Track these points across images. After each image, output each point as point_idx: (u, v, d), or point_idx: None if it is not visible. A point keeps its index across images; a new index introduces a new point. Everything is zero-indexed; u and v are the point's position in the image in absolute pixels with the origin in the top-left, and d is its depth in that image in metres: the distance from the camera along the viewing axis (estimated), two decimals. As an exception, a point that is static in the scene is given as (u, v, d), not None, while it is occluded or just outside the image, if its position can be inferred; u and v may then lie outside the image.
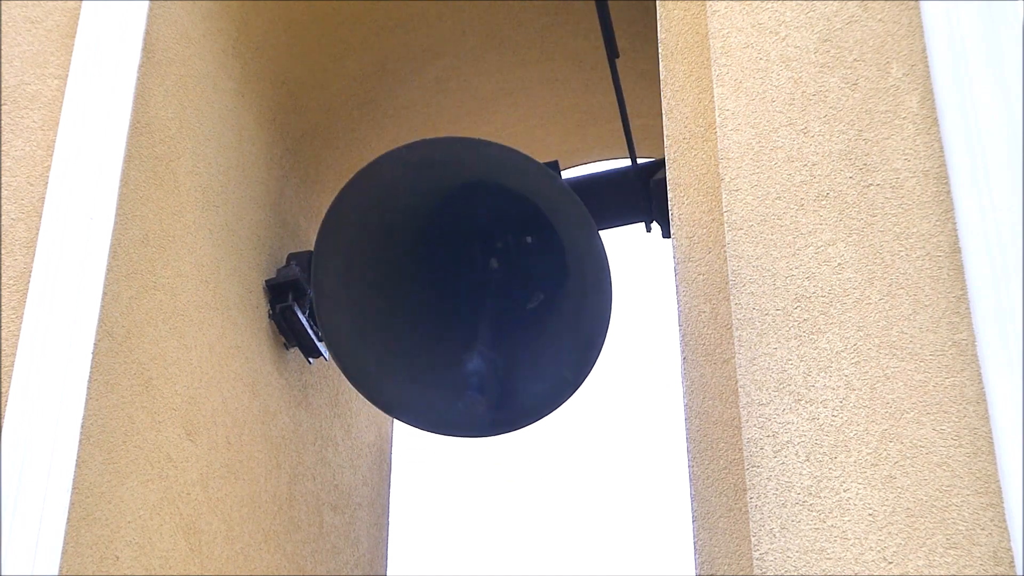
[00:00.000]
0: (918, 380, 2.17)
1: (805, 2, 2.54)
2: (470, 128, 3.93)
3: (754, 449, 2.19)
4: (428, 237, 2.97)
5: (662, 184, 3.06)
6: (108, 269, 2.72)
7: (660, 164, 3.33)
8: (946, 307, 2.22)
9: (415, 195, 2.86)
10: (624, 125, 3.23)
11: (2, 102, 2.95)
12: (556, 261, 2.94)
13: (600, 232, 2.69)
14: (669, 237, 2.70)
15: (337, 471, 3.66)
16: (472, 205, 2.92)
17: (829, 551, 2.08)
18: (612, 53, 3.04)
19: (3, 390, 2.60)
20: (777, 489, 2.14)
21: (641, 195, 3.36)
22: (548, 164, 3.38)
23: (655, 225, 3.39)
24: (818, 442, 2.16)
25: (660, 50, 2.75)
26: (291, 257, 3.49)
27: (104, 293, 2.69)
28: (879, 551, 2.06)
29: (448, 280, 3.05)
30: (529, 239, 3.06)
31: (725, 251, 2.40)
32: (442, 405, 2.90)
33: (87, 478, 2.56)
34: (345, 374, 2.91)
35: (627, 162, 3.49)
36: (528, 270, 3.07)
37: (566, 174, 3.73)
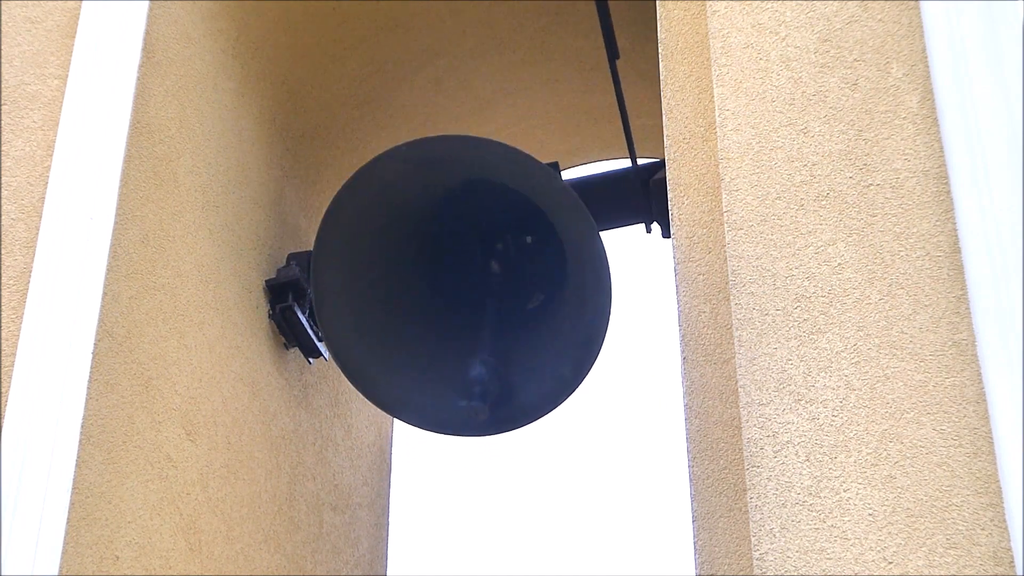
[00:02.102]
0: (918, 380, 2.17)
1: (805, 2, 2.54)
2: (470, 128, 3.93)
3: (754, 449, 2.19)
4: (428, 235, 2.97)
5: (662, 184, 3.06)
6: (108, 269, 2.72)
7: (660, 164, 3.33)
8: (946, 307, 2.22)
9: (415, 194, 2.86)
10: (624, 125, 3.23)
11: (2, 102, 2.95)
12: (556, 261, 2.94)
13: (600, 233, 2.69)
14: (669, 237, 2.70)
15: (337, 471, 3.66)
16: (472, 204, 2.92)
17: (829, 551, 2.08)
18: (612, 54, 3.04)
19: (3, 390, 2.60)
20: (777, 489, 2.15)
21: (641, 196, 3.36)
22: (548, 165, 3.38)
23: (655, 226, 3.39)
24: (818, 442, 2.16)
25: (660, 50, 2.75)
26: (291, 257, 3.48)
27: (104, 293, 2.69)
28: (879, 551, 2.06)
29: (448, 278, 3.05)
30: (529, 239, 3.06)
31: (725, 251, 2.40)
32: (442, 404, 2.90)
33: (87, 478, 2.56)
34: (344, 373, 2.91)
35: (627, 162, 3.49)
36: (528, 270, 3.07)
37: (566, 174, 3.73)
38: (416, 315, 3.00)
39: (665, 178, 2.67)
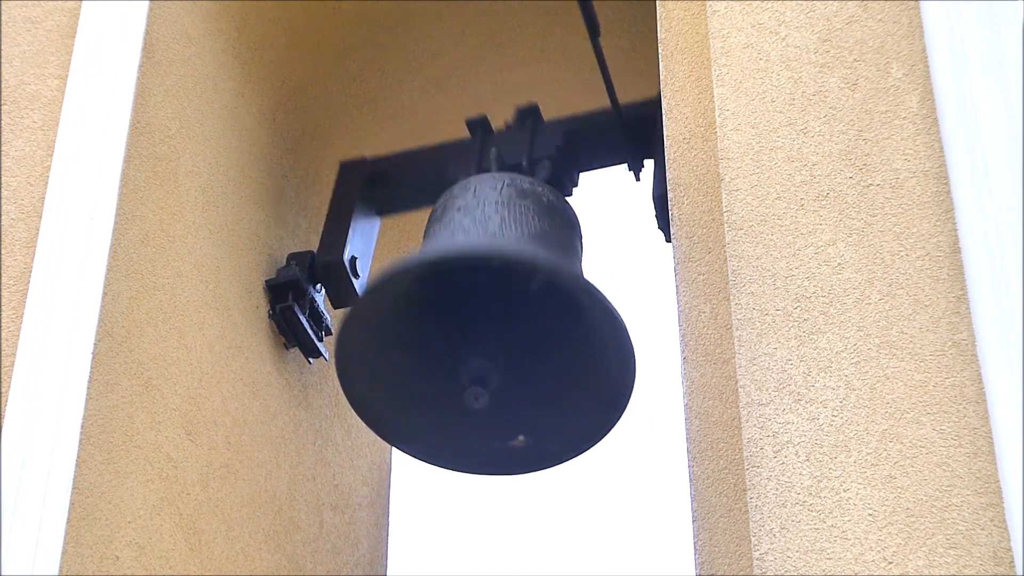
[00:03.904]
0: (918, 380, 2.17)
1: (805, 2, 2.54)
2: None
3: (754, 449, 2.19)
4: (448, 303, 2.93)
5: (648, 122, 3.02)
6: (108, 269, 2.72)
7: (647, 103, 3.23)
8: (946, 307, 2.22)
9: (435, 290, 2.83)
10: (612, 103, 3.17)
11: (2, 102, 2.95)
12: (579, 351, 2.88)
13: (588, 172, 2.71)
14: (669, 241, 2.69)
15: (337, 471, 3.66)
16: (490, 286, 2.90)
17: (829, 551, 2.08)
18: (593, 31, 2.98)
19: (3, 390, 2.60)
20: (777, 489, 2.14)
21: (626, 137, 3.29)
22: (528, 107, 3.33)
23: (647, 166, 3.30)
24: (818, 442, 2.16)
25: (660, 50, 2.75)
26: (291, 257, 3.48)
27: (104, 293, 2.69)
28: (879, 551, 2.06)
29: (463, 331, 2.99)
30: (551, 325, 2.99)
31: (725, 251, 2.40)
32: (471, 445, 2.87)
33: (87, 478, 2.56)
34: (362, 418, 2.86)
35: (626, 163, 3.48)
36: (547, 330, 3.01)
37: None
38: (434, 362, 2.94)
39: (655, 115, 2.63)
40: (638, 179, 3.36)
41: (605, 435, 2.77)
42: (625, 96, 3.25)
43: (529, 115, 3.36)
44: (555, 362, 2.87)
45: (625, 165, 3.38)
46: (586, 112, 3.43)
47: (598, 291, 2.57)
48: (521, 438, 2.81)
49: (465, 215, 2.85)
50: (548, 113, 3.41)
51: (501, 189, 2.90)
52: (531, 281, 2.78)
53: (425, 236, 2.97)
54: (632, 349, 2.59)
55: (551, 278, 2.69)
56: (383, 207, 3.63)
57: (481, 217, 2.82)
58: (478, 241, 2.78)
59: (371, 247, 3.58)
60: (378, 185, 3.58)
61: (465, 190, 2.93)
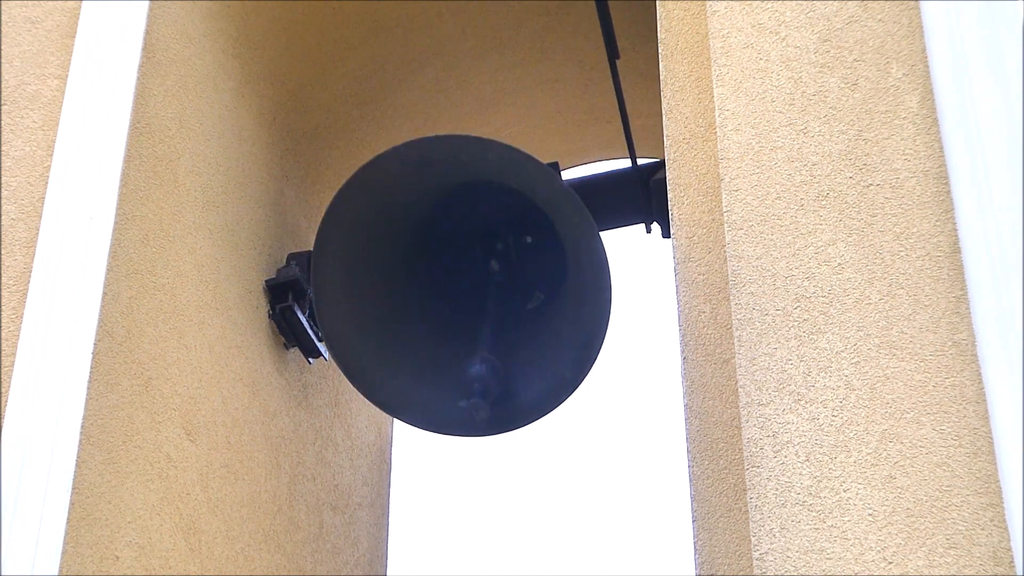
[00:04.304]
0: (918, 380, 2.17)
1: (805, 2, 2.54)
2: (470, 128, 3.93)
3: (754, 449, 2.19)
4: (427, 235, 2.97)
5: (662, 184, 3.05)
6: (108, 269, 2.72)
7: (660, 164, 3.33)
8: (946, 307, 2.22)
9: (414, 194, 2.86)
10: (624, 126, 3.23)
11: (2, 102, 2.95)
12: (556, 261, 2.94)
13: (601, 234, 2.70)
14: (669, 237, 2.70)
15: (337, 471, 3.66)
16: (472, 204, 2.93)
17: (829, 551, 2.08)
18: (612, 54, 3.03)
19: (3, 390, 2.60)
20: (777, 489, 2.15)
21: (641, 196, 3.36)
22: (548, 165, 3.38)
23: (655, 227, 3.39)
24: (818, 442, 2.16)
25: (660, 50, 2.75)
26: (291, 257, 3.49)
27: (104, 293, 2.69)
28: (879, 551, 2.06)
29: (447, 278, 3.05)
30: (529, 239, 3.06)
31: (725, 251, 2.40)
32: (442, 404, 2.90)
33: (87, 478, 2.56)
34: (344, 372, 2.91)
35: (627, 162, 3.49)
36: (528, 270, 3.07)
37: (566, 174, 3.73)
38: (415, 314, 3.00)
39: (665, 178, 2.67)
40: (648, 231, 3.40)
41: (584, 376, 2.76)
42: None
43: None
44: (538, 319, 2.91)
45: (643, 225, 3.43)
46: (606, 172, 3.48)
47: (572, 195, 2.61)
48: (483, 407, 2.80)
49: None
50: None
51: None
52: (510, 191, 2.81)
53: None
54: (606, 260, 2.62)
55: (529, 174, 2.69)
56: None
57: None
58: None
59: None
60: None
61: None
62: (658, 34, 2.77)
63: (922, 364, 2.18)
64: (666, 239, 3.26)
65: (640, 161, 3.40)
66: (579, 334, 2.77)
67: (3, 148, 2.89)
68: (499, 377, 2.82)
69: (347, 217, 2.79)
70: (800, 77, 2.48)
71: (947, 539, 2.05)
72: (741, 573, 2.25)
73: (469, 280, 3.06)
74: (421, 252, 2.99)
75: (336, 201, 2.78)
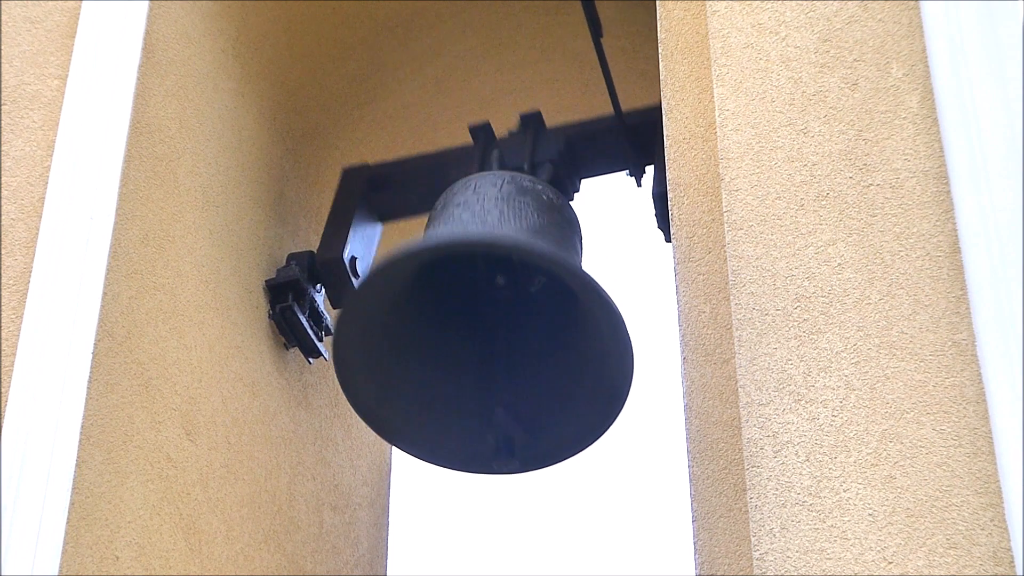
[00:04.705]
0: (918, 380, 2.17)
1: (805, 2, 2.54)
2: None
3: (754, 449, 2.19)
4: (447, 287, 2.93)
5: (650, 128, 3.01)
6: (108, 269, 2.72)
7: (649, 110, 3.23)
8: (946, 307, 2.22)
9: (434, 260, 2.82)
10: (612, 99, 3.17)
11: (2, 102, 2.95)
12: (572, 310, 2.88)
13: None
14: (669, 241, 2.69)
15: (337, 471, 3.66)
16: (491, 275, 2.91)
17: (829, 551, 2.08)
18: (596, 32, 2.97)
19: (3, 390, 2.60)
20: (777, 489, 2.15)
21: (626, 144, 3.29)
22: (531, 113, 3.33)
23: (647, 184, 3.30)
24: (818, 442, 2.16)
25: (660, 50, 2.75)
26: (291, 257, 3.48)
27: (104, 293, 2.69)
28: (879, 551, 2.06)
29: (463, 318, 2.98)
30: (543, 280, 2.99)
31: (725, 251, 2.40)
32: (465, 443, 2.86)
33: (87, 478, 2.56)
34: (359, 414, 2.85)
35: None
36: (544, 318, 3.00)
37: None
38: (433, 359, 2.94)
39: (656, 121, 2.64)
40: (639, 184, 3.36)
41: (604, 432, 2.76)
42: (625, 96, 3.25)
43: (532, 121, 3.36)
44: (554, 359, 2.87)
45: (626, 172, 3.38)
46: (589, 119, 3.43)
47: (595, 282, 2.57)
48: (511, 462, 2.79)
49: (464, 210, 2.84)
50: (550, 115, 3.41)
51: (501, 186, 2.89)
52: (529, 273, 2.78)
53: (425, 232, 2.97)
54: (630, 341, 2.59)
55: (548, 264, 2.69)
56: (385, 212, 3.64)
57: (480, 211, 2.82)
58: (476, 229, 2.78)
59: (372, 250, 3.58)
60: (380, 190, 3.58)
61: (465, 187, 2.93)
62: (658, 34, 2.77)
63: (922, 364, 2.18)
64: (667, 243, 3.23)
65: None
66: (601, 391, 2.75)
67: (3, 148, 2.89)
68: (523, 423, 2.80)
69: (369, 307, 2.74)
70: (800, 77, 2.48)
71: (947, 539, 2.05)
72: (741, 573, 2.25)
73: (477, 300, 3.00)
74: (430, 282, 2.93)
75: (357, 292, 2.76)
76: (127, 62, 2.95)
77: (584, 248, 3.00)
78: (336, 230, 3.47)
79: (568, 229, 2.94)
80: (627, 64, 3.62)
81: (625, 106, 3.24)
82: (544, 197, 2.91)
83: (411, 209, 3.63)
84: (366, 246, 3.54)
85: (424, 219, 3.06)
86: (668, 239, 2.79)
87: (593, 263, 3.10)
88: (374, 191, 3.57)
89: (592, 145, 3.37)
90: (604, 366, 2.71)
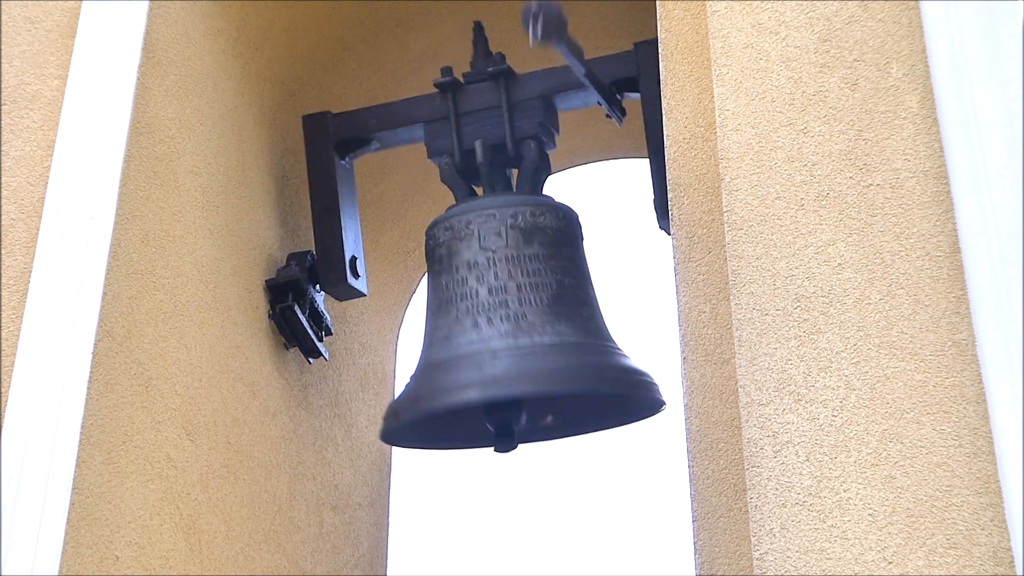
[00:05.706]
0: (918, 380, 2.17)
1: (805, 2, 2.54)
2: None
3: (754, 449, 2.19)
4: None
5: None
6: (108, 269, 2.72)
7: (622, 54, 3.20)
8: (946, 307, 2.22)
9: None
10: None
11: (2, 102, 2.95)
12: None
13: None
14: (669, 234, 2.69)
15: (337, 471, 3.66)
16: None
17: (829, 551, 2.08)
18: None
19: (3, 390, 2.60)
20: (777, 489, 2.14)
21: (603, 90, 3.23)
22: (500, 70, 3.26)
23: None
24: (818, 442, 2.16)
25: (660, 50, 2.75)
26: (291, 257, 3.48)
27: (104, 293, 2.69)
28: (879, 551, 2.06)
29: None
30: None
31: (725, 251, 2.40)
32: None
33: (87, 478, 2.56)
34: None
35: (627, 163, 3.48)
36: None
37: (563, 175, 3.69)
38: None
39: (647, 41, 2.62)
40: (620, 123, 3.28)
41: (604, 429, 2.89)
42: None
43: (502, 77, 3.26)
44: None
45: (606, 113, 3.30)
46: (561, 66, 3.33)
47: (644, 380, 2.80)
48: (550, 418, 2.88)
49: (479, 282, 2.88)
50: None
51: (506, 235, 2.91)
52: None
53: (429, 287, 3.01)
54: (662, 402, 2.83)
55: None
56: (351, 153, 3.56)
57: (497, 287, 2.85)
58: (508, 369, 2.81)
59: (358, 232, 3.54)
60: (350, 147, 3.52)
61: (467, 231, 2.95)
62: (658, 34, 2.77)
63: (922, 364, 2.18)
64: (663, 230, 3.22)
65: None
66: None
67: (3, 148, 2.89)
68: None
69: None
70: (800, 77, 2.48)
71: (947, 539, 2.05)
72: (741, 573, 2.25)
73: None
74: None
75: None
76: (127, 62, 2.94)
77: (584, 238, 3.03)
78: (329, 225, 3.44)
79: (577, 250, 3.00)
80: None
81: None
82: (549, 231, 2.94)
83: (382, 149, 3.56)
84: (355, 231, 3.51)
85: (416, 209, 3.06)
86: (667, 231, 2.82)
87: (593, 263, 3.11)
88: (344, 149, 3.51)
89: (568, 96, 3.30)
90: (628, 401, 2.88)
